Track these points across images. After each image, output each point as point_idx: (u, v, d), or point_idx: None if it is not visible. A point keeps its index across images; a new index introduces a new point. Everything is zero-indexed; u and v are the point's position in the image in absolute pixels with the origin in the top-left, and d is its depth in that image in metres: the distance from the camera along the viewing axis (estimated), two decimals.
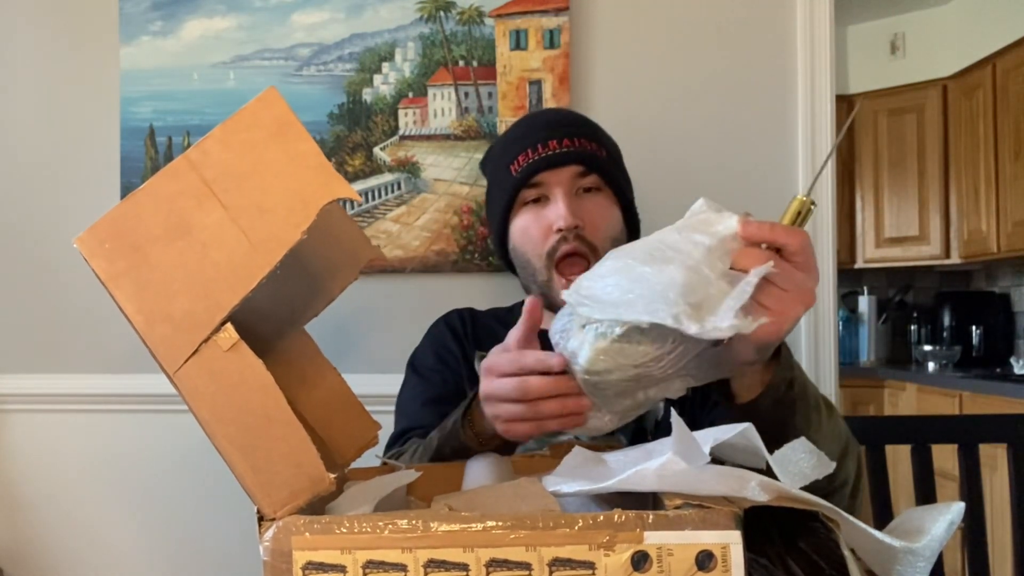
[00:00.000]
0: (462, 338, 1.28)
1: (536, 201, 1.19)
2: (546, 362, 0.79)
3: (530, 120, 1.27)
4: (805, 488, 0.75)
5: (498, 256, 1.31)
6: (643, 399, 0.77)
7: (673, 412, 0.67)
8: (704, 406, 1.11)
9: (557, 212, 1.15)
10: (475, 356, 1.26)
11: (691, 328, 0.67)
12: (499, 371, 0.84)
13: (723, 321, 0.67)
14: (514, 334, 0.86)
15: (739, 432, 0.65)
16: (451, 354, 1.26)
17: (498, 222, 1.23)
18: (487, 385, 0.85)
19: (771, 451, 0.83)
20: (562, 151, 1.16)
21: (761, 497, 0.61)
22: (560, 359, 0.78)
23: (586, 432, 0.81)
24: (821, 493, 0.79)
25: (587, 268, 1.14)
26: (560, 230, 1.14)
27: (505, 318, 1.32)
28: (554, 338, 0.80)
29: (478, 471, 0.86)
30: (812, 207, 0.76)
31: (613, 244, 1.18)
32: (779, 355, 0.83)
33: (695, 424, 1.11)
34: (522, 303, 1.32)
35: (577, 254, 1.16)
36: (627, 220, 1.23)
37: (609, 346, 0.73)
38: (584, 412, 0.80)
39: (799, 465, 0.66)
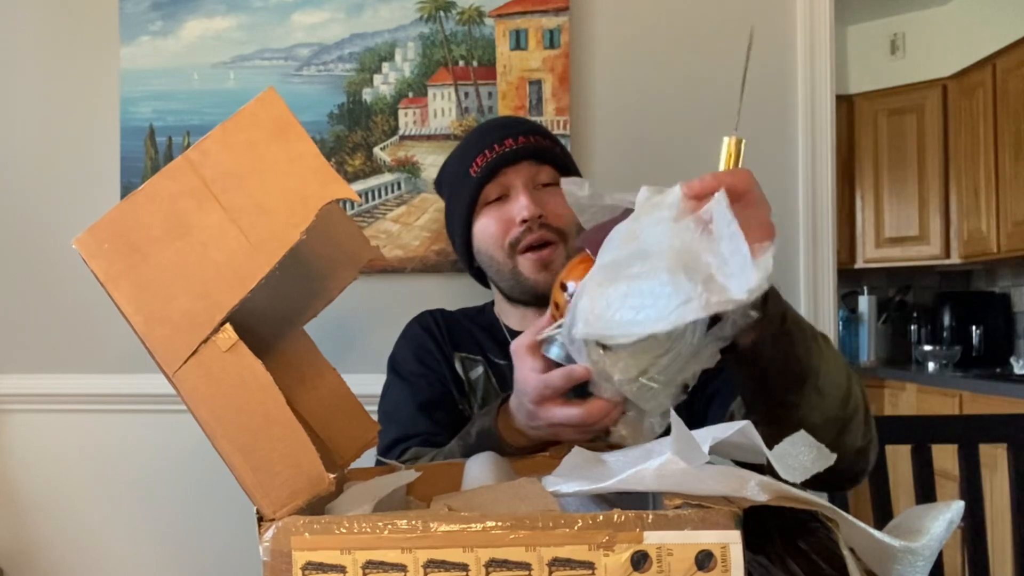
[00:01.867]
0: (439, 339, 1.29)
1: (497, 200, 1.22)
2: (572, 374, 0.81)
3: (480, 127, 1.32)
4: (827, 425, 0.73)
5: (465, 267, 1.33)
6: (682, 381, 0.77)
7: (672, 412, 0.67)
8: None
9: (519, 204, 1.18)
10: (454, 357, 1.27)
11: (727, 305, 0.67)
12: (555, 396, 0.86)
13: (753, 280, 0.66)
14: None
15: (738, 430, 0.65)
16: (431, 356, 1.27)
17: (461, 228, 1.26)
18: (550, 415, 0.86)
19: (782, 387, 0.85)
20: (518, 147, 1.20)
21: (761, 497, 0.61)
22: (584, 370, 0.79)
23: (638, 440, 0.81)
24: (840, 424, 0.81)
25: (555, 251, 1.16)
26: (524, 220, 1.17)
27: (476, 317, 1.34)
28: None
29: (478, 471, 0.86)
30: (743, 142, 0.77)
31: (576, 231, 1.19)
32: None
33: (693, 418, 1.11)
34: (492, 302, 1.34)
35: (545, 241, 1.19)
36: None
37: (635, 345, 0.73)
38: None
39: (799, 459, 0.65)
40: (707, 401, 1.11)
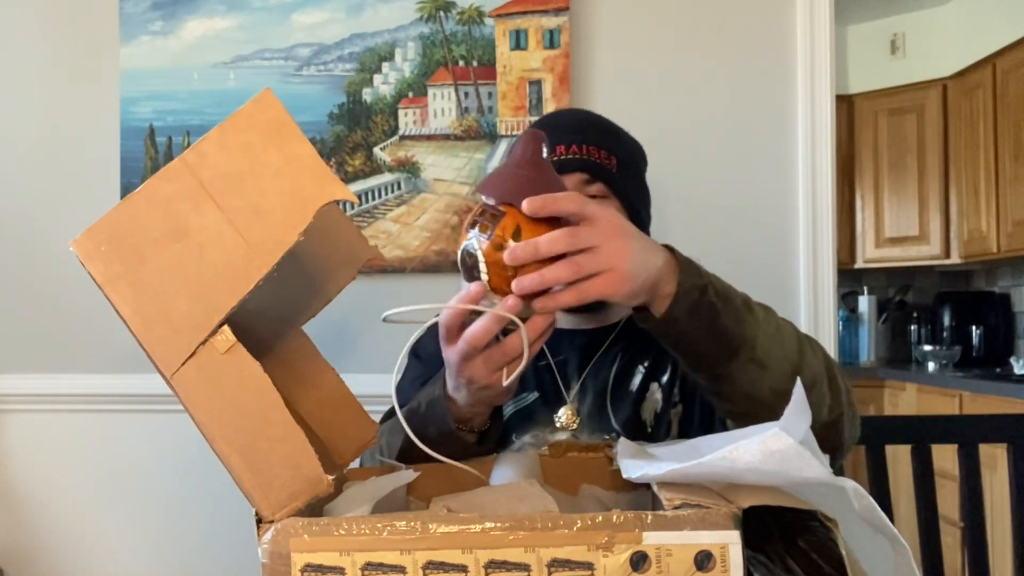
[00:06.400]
0: None
1: None
2: (467, 295, 0.81)
3: (547, 120, 1.25)
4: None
5: None
6: None
7: (797, 384, 0.67)
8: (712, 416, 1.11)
9: None
10: None
11: None
12: (449, 341, 0.87)
13: None
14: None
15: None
16: None
17: None
18: (450, 357, 0.88)
19: (711, 358, 0.86)
20: (568, 157, 1.14)
21: (855, 502, 0.61)
22: (480, 286, 0.80)
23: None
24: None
25: None
26: None
27: None
28: None
29: (505, 470, 0.85)
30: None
31: None
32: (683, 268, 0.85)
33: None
34: None
35: None
36: None
37: None
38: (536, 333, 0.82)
39: None
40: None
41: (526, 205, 0.76)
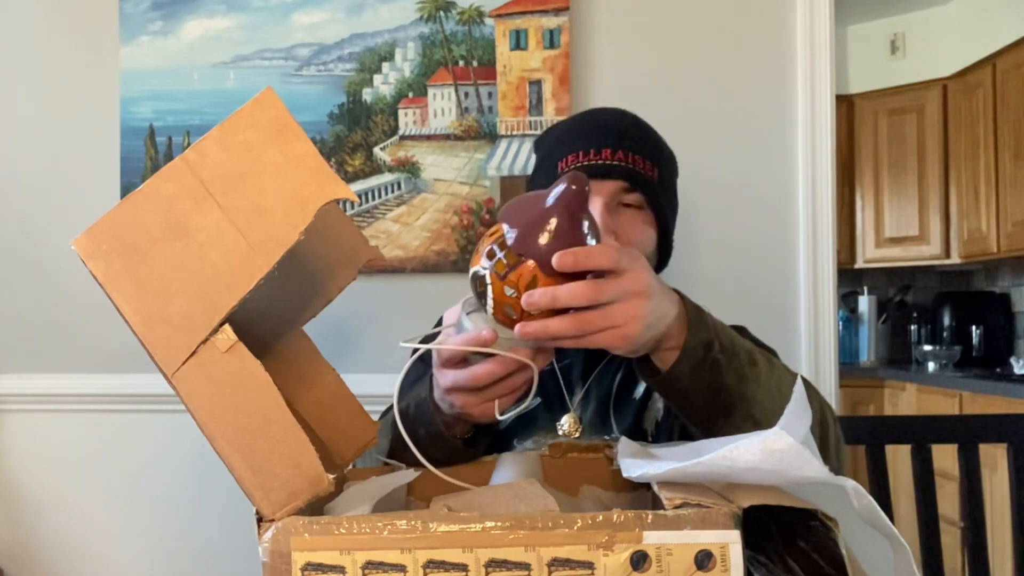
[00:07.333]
0: None
1: None
2: (479, 338, 0.80)
3: (592, 117, 1.19)
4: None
5: None
6: None
7: (798, 383, 0.66)
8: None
9: None
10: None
11: None
12: (445, 366, 0.86)
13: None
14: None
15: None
16: None
17: None
18: (442, 380, 0.87)
19: (708, 415, 0.84)
20: (613, 163, 1.09)
21: (855, 501, 0.61)
22: (491, 333, 0.79)
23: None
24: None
25: None
26: None
27: None
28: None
29: (506, 470, 0.85)
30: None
31: (649, 257, 1.13)
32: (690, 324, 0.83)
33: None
34: None
35: None
36: (661, 246, 1.16)
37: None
38: (527, 382, 0.83)
39: None
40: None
41: (556, 261, 0.74)
